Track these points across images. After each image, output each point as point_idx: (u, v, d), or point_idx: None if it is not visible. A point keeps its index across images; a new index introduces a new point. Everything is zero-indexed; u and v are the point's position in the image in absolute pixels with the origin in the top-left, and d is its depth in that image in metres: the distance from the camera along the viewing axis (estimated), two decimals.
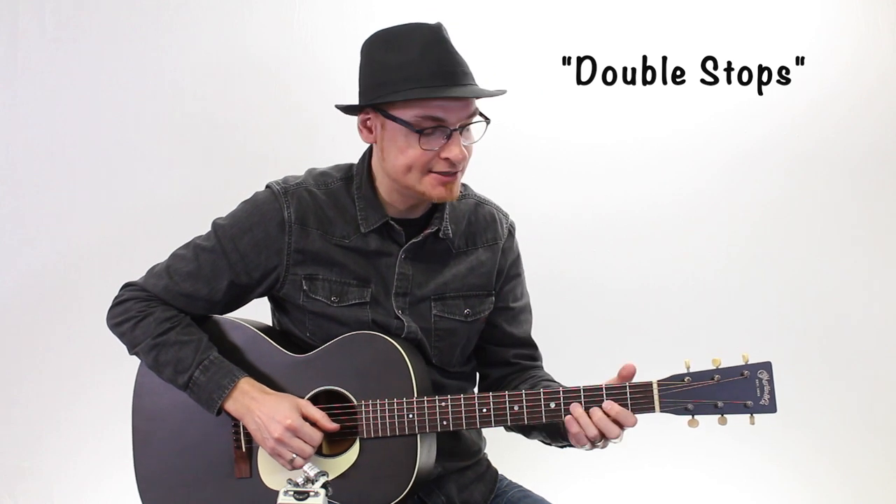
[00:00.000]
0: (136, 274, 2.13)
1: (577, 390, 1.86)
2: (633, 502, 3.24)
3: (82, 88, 3.24)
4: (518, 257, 2.16)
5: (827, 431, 3.25)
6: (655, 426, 3.10)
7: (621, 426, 1.84)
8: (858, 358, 3.25)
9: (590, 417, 1.84)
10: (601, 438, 1.84)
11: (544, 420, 1.88)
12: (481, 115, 1.93)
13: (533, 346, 2.18)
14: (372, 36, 1.95)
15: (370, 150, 2.04)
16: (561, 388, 1.88)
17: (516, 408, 1.89)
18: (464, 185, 2.12)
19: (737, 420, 3.08)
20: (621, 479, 3.24)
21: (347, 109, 1.99)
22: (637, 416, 1.84)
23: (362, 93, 1.95)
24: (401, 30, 1.91)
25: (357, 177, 2.04)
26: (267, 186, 2.06)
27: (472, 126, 1.92)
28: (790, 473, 3.24)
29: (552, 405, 1.87)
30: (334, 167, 2.09)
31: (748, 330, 3.19)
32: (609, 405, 1.83)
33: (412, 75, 1.85)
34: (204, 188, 3.19)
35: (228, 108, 3.25)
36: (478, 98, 1.91)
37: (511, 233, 2.15)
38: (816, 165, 3.24)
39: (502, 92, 1.93)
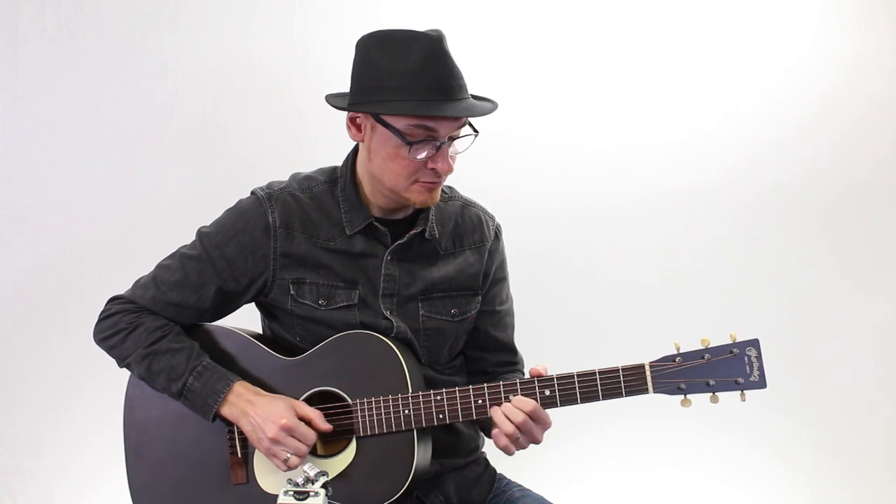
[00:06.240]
0: (136, 273, 2.12)
1: (570, 376, 1.88)
2: (632, 502, 3.24)
3: (82, 88, 3.24)
4: (504, 260, 2.17)
5: (827, 432, 3.25)
6: (656, 426, 3.14)
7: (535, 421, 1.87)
8: (858, 357, 3.25)
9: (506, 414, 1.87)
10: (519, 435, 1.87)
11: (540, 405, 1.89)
12: (470, 126, 1.94)
13: (514, 350, 2.20)
14: (372, 34, 1.93)
15: (354, 153, 2.05)
16: (555, 376, 1.89)
17: (512, 397, 1.90)
18: (449, 188, 2.14)
19: (736, 419, 3.11)
20: (621, 479, 3.24)
21: (339, 105, 1.98)
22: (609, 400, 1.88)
23: (355, 92, 1.94)
24: (402, 35, 1.90)
25: (341, 179, 2.04)
26: (252, 193, 2.06)
27: (458, 138, 1.94)
28: (790, 473, 3.24)
29: (547, 391, 1.89)
30: (318, 171, 2.09)
31: (743, 329, 3.19)
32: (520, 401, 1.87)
33: (408, 86, 1.86)
34: (204, 188, 3.19)
35: (228, 109, 3.25)
36: (470, 117, 1.92)
37: (497, 235, 2.15)
38: (816, 165, 3.24)
39: (493, 109, 1.94)
